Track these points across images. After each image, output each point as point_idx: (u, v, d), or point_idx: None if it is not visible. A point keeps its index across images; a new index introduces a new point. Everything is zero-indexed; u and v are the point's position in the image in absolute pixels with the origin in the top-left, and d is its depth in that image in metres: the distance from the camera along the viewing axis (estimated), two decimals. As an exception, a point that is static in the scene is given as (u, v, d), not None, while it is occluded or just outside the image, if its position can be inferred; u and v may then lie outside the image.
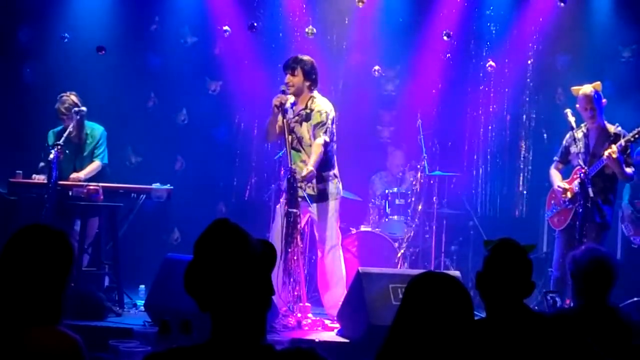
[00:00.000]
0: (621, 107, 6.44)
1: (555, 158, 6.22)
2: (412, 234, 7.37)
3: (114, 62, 8.02)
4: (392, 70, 8.52)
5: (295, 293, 5.64)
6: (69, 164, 6.46)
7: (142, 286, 6.70)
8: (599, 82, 5.92)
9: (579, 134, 5.97)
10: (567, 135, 6.06)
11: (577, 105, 5.92)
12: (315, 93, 5.92)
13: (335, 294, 5.85)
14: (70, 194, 6.07)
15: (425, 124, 7.70)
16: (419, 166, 7.54)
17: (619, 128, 5.87)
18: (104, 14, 8.21)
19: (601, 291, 3.52)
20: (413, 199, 7.52)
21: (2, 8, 7.87)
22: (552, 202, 6.15)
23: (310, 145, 5.82)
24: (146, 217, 7.15)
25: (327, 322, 5.68)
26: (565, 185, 5.98)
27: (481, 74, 8.31)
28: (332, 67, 8.36)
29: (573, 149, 5.97)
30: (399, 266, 7.00)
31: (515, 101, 8.40)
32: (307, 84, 5.87)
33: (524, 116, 8.38)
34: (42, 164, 6.57)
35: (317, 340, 5.16)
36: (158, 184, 6.39)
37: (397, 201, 7.53)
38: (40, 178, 6.30)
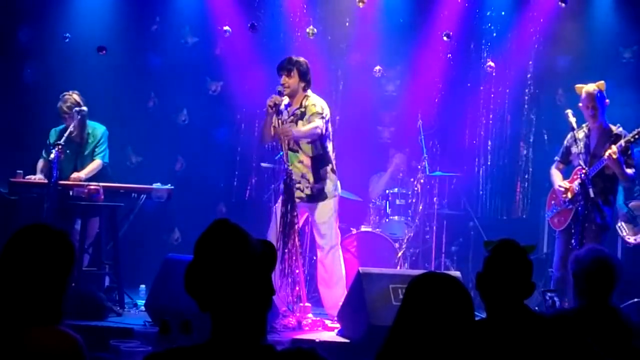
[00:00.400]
0: (622, 108, 6.43)
1: (556, 158, 6.22)
2: (412, 235, 7.37)
3: (115, 62, 8.02)
4: (392, 70, 8.52)
5: (295, 293, 5.64)
6: (70, 163, 6.47)
7: (143, 286, 6.71)
8: (602, 82, 5.91)
9: (580, 134, 5.97)
10: (569, 136, 6.06)
11: (580, 104, 5.91)
12: (309, 92, 5.93)
13: (336, 294, 5.85)
14: (70, 193, 6.07)
15: (425, 124, 7.70)
16: (419, 166, 7.54)
17: (620, 129, 5.87)
18: (105, 14, 8.22)
19: (603, 292, 3.52)
20: (413, 200, 7.52)
21: (3, 8, 7.87)
22: (553, 202, 6.15)
23: (306, 143, 5.83)
24: (146, 217, 7.15)
25: (327, 322, 5.69)
26: (566, 185, 5.97)
27: (482, 74, 8.31)
28: (333, 67, 8.38)
29: (574, 149, 5.96)
30: (399, 267, 7.00)
31: (516, 102, 8.40)
32: (303, 84, 5.89)
33: (525, 117, 8.38)
34: (40, 162, 6.57)
35: (317, 340, 5.16)
36: (158, 184, 6.39)
37: (397, 201, 7.53)
38: (34, 178, 6.31)
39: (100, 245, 6.30)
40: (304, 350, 1.94)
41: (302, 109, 5.87)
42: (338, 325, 5.51)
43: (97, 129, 6.63)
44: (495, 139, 8.46)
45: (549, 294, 5.23)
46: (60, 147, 5.93)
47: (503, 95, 8.39)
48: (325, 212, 5.89)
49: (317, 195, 5.88)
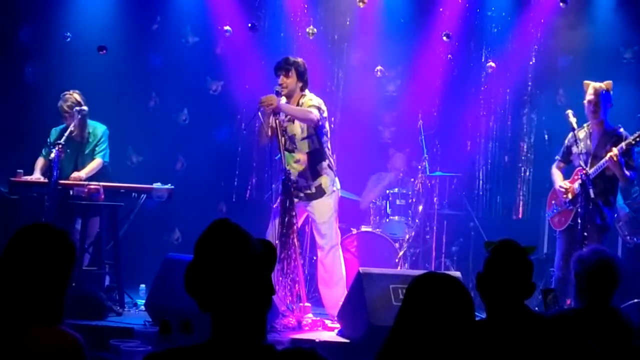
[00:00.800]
0: (622, 109, 6.43)
1: (557, 157, 6.22)
2: (412, 235, 7.37)
3: (116, 62, 8.02)
4: (393, 70, 8.51)
5: (295, 292, 5.64)
6: (71, 163, 6.47)
7: (143, 286, 6.71)
8: (610, 82, 5.91)
9: (581, 134, 5.96)
10: (570, 135, 6.05)
11: (584, 101, 5.90)
12: (307, 92, 5.92)
13: (336, 294, 5.85)
14: (71, 193, 6.07)
15: (426, 124, 7.71)
16: (419, 167, 7.54)
17: (622, 130, 5.87)
18: (106, 14, 8.22)
19: (605, 292, 3.52)
20: (414, 200, 7.52)
21: (4, 7, 7.87)
22: (553, 202, 6.15)
23: (302, 139, 5.82)
24: (147, 216, 7.15)
25: (327, 322, 5.69)
26: (566, 185, 5.97)
27: (483, 75, 8.31)
28: (333, 67, 8.37)
29: (574, 149, 5.96)
30: (399, 267, 7.00)
31: (516, 102, 8.40)
32: (300, 84, 5.88)
33: (525, 117, 8.38)
34: (39, 161, 6.57)
35: (317, 340, 5.16)
36: (159, 184, 6.39)
37: (397, 202, 7.53)
38: (31, 178, 6.31)
39: (100, 244, 6.30)
40: (304, 350, 1.94)
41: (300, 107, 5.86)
42: (338, 325, 5.51)
43: (97, 128, 6.63)
44: (496, 139, 8.46)
45: (548, 293, 5.18)
46: (60, 146, 5.93)
47: (503, 96, 8.39)
48: (326, 212, 5.88)
49: (316, 193, 5.87)
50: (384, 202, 7.59)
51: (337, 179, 6.02)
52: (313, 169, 5.85)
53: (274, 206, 5.86)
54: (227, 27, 8.11)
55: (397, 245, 7.15)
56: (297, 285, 5.65)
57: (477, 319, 2.28)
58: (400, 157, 8.18)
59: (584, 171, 5.67)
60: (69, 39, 7.92)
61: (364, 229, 7.33)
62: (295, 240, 5.62)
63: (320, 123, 5.82)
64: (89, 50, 7.87)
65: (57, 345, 2.25)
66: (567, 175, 6.11)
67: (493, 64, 8.04)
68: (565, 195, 5.95)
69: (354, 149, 8.05)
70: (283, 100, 5.88)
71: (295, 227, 5.63)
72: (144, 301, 5.92)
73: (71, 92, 6.52)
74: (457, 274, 5.34)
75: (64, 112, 6.47)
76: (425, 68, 8.35)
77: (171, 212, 7.93)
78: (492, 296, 2.80)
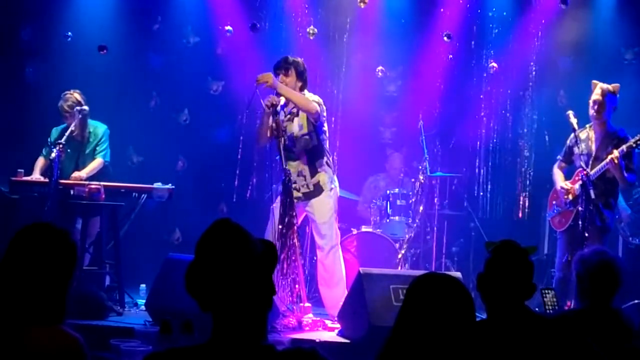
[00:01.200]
0: (623, 110, 6.42)
1: (559, 157, 6.23)
2: (413, 235, 7.36)
3: (116, 62, 8.02)
4: (394, 71, 8.51)
5: (295, 293, 5.63)
6: (71, 162, 6.48)
7: (143, 286, 6.71)
8: (617, 85, 5.92)
9: (583, 135, 5.96)
10: (571, 136, 6.04)
11: (589, 100, 5.90)
12: (306, 92, 5.92)
13: (336, 294, 5.85)
14: (71, 193, 6.07)
15: (427, 125, 7.70)
16: (420, 167, 7.53)
17: (624, 132, 5.87)
18: (107, 13, 8.22)
19: (606, 293, 3.52)
20: (414, 200, 7.52)
21: (5, 7, 7.87)
22: (554, 202, 6.15)
23: (301, 136, 5.81)
24: (147, 216, 7.16)
25: (327, 322, 5.68)
26: (567, 186, 5.97)
27: (484, 75, 8.30)
28: (334, 67, 8.37)
29: (576, 150, 5.96)
30: (399, 267, 7.00)
31: (517, 103, 8.40)
32: (300, 84, 5.87)
33: (526, 118, 8.37)
34: (40, 160, 6.57)
35: (318, 340, 5.16)
36: (159, 184, 6.39)
37: (398, 202, 7.53)
38: (30, 178, 6.30)
39: (101, 244, 6.30)
40: (304, 350, 1.94)
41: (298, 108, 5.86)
42: (338, 325, 5.51)
43: (98, 128, 6.64)
44: (497, 139, 8.46)
45: (546, 291, 5.15)
46: (61, 146, 5.93)
47: (504, 96, 8.39)
48: (325, 212, 5.88)
49: (314, 191, 5.86)
50: (385, 202, 7.59)
51: (335, 176, 6.01)
52: (311, 165, 5.85)
53: (272, 206, 5.86)
54: (228, 27, 8.11)
55: (397, 245, 7.15)
56: (297, 286, 5.65)
57: (477, 319, 2.28)
58: (397, 157, 8.18)
59: (585, 172, 5.67)
60: (69, 39, 7.92)
61: (364, 229, 7.33)
62: (296, 240, 5.61)
63: (319, 121, 5.81)
64: (90, 50, 7.87)
65: (57, 345, 2.25)
66: (567, 176, 6.12)
67: (495, 65, 8.04)
68: (566, 196, 5.95)
69: (355, 149, 8.05)
70: (282, 100, 5.89)
71: (295, 227, 5.62)
72: (144, 301, 5.92)
73: (72, 91, 6.53)
74: (458, 274, 5.34)
75: (64, 111, 6.48)
76: (426, 68, 8.35)
77: (172, 212, 7.94)
78: (492, 297, 2.80)
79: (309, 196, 5.87)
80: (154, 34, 8.42)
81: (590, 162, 5.83)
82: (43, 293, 2.29)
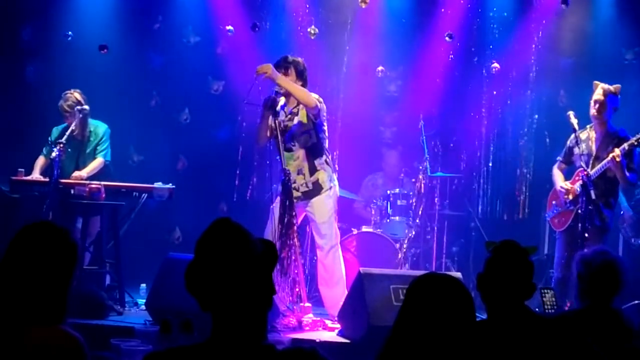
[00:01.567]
0: (624, 110, 6.42)
1: (559, 158, 6.23)
2: (413, 235, 7.36)
3: (117, 61, 8.02)
4: (394, 71, 8.51)
5: (295, 292, 5.63)
6: (72, 162, 6.48)
7: (144, 285, 6.70)
8: (619, 86, 5.92)
9: (584, 136, 5.97)
10: (572, 136, 6.05)
11: (591, 100, 5.90)
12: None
13: (336, 294, 5.84)
14: (72, 192, 6.07)
15: (427, 125, 7.70)
16: (420, 167, 7.53)
17: (624, 132, 5.87)
18: (107, 13, 8.22)
19: (607, 294, 3.52)
20: (415, 200, 7.52)
21: (5, 7, 7.87)
22: (554, 202, 6.15)
23: (300, 134, 5.80)
24: (148, 216, 7.15)
25: (328, 322, 5.68)
26: (567, 186, 5.97)
27: (485, 74, 8.30)
28: (334, 67, 8.37)
29: (576, 150, 5.96)
30: (400, 267, 7.00)
31: (518, 103, 8.39)
32: (300, 83, 5.84)
33: (526, 118, 8.37)
34: (40, 159, 6.57)
35: (318, 340, 5.16)
36: (160, 183, 6.39)
37: (398, 202, 7.53)
38: (32, 177, 6.30)
39: (101, 244, 6.30)
40: (304, 350, 1.94)
41: (299, 107, 5.85)
42: (338, 325, 5.51)
43: (99, 127, 6.64)
44: (497, 139, 8.46)
45: (544, 291, 5.15)
46: (61, 145, 5.94)
47: (505, 96, 8.39)
48: (325, 212, 5.87)
49: (313, 190, 5.86)
50: (385, 202, 7.59)
51: (335, 175, 6.00)
52: (311, 163, 5.83)
53: (272, 206, 5.86)
54: (229, 27, 8.11)
55: (397, 245, 7.15)
56: (297, 285, 5.65)
57: (477, 319, 2.28)
58: (393, 154, 8.18)
59: (585, 172, 5.67)
60: (70, 38, 7.91)
61: (364, 229, 7.33)
62: (296, 240, 5.60)
63: (319, 118, 5.79)
64: (90, 49, 7.87)
65: (57, 344, 2.25)
66: (567, 177, 6.11)
67: (497, 65, 8.03)
68: (566, 196, 5.95)
69: (355, 149, 8.04)
70: (282, 100, 5.88)
71: (295, 227, 5.62)
72: (144, 300, 5.92)
73: (72, 91, 6.53)
74: (458, 274, 5.34)
75: (64, 111, 6.48)
76: (426, 68, 8.34)
77: (172, 212, 7.93)
78: (492, 297, 2.81)
79: (308, 195, 5.86)
80: (154, 34, 8.42)
81: (591, 162, 5.83)
82: (43, 293, 2.29)
